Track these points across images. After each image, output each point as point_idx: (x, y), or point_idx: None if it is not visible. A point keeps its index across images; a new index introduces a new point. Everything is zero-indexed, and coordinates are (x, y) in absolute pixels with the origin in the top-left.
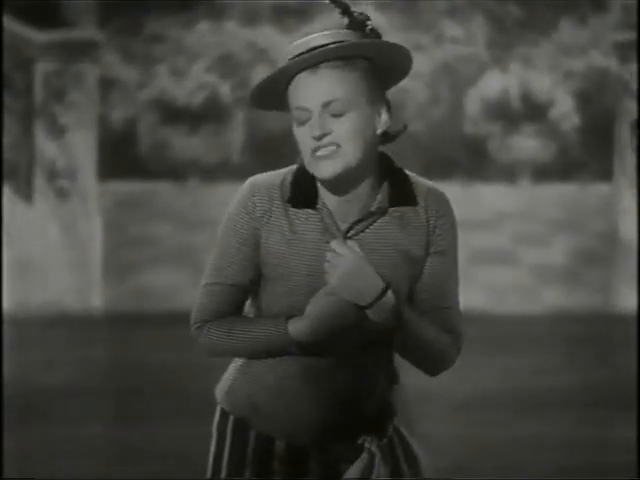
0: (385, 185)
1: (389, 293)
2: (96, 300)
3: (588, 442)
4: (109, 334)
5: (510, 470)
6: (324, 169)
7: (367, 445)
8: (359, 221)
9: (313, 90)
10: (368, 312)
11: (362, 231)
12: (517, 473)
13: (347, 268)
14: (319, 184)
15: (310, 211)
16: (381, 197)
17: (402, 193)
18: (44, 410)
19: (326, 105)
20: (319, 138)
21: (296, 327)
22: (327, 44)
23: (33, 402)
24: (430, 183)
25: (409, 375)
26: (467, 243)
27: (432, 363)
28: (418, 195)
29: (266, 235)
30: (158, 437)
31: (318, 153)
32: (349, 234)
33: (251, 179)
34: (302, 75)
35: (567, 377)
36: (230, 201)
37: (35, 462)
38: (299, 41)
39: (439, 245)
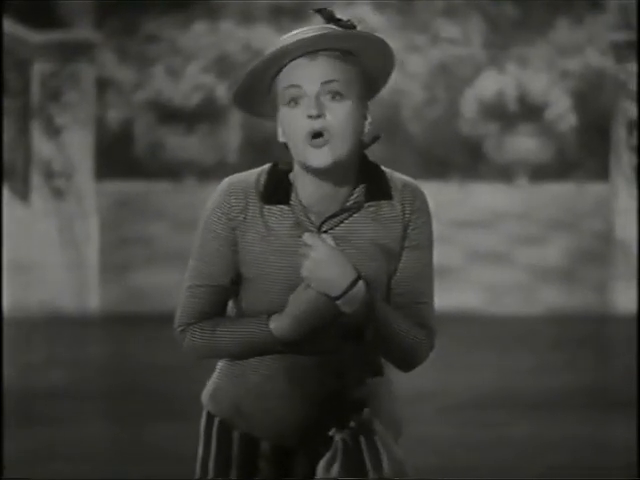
0: (361, 180)
1: (360, 284)
2: (92, 300)
3: (586, 443)
4: (105, 334)
5: (507, 471)
6: (316, 158)
7: (336, 437)
8: (333, 216)
9: (311, 71)
10: (339, 303)
11: (337, 225)
12: (514, 474)
13: (318, 259)
14: (294, 181)
15: (284, 207)
16: (357, 192)
17: (377, 187)
18: (42, 410)
19: (325, 84)
20: (315, 117)
21: (278, 324)
22: (327, 34)
23: (30, 402)
24: (406, 178)
25: (407, 375)
26: (463, 243)
27: (404, 358)
28: (393, 189)
29: (242, 234)
30: (155, 437)
31: (312, 141)
32: (323, 228)
33: (226, 179)
34: (298, 61)
35: (564, 377)
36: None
37: (34, 462)
38: (286, 35)
39: (414, 239)
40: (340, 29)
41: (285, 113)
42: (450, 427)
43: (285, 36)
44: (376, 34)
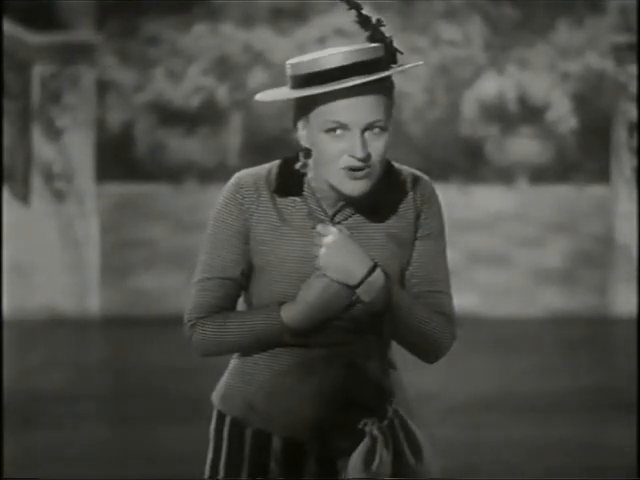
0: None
1: (378, 271)
2: (93, 303)
3: (586, 444)
4: (106, 337)
5: (508, 472)
6: (354, 189)
7: (368, 429)
8: (346, 206)
9: (358, 111)
10: (358, 292)
11: (350, 216)
12: (515, 475)
13: (334, 249)
14: (308, 173)
15: (297, 199)
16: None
17: (388, 179)
18: (41, 412)
19: (369, 126)
20: (364, 160)
21: (289, 313)
22: (365, 61)
23: (30, 404)
24: (415, 170)
25: (407, 377)
26: (463, 245)
27: (426, 346)
28: (404, 180)
29: (255, 225)
30: (155, 439)
31: (352, 173)
32: (336, 219)
33: (237, 174)
34: (344, 96)
35: (564, 379)
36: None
37: (34, 463)
38: (320, 55)
39: (426, 229)
40: (387, 66)
41: (321, 138)
42: (450, 428)
43: (319, 56)
44: (418, 63)
